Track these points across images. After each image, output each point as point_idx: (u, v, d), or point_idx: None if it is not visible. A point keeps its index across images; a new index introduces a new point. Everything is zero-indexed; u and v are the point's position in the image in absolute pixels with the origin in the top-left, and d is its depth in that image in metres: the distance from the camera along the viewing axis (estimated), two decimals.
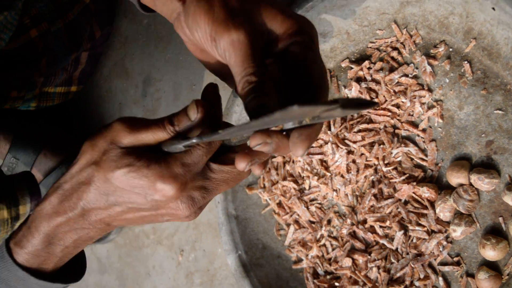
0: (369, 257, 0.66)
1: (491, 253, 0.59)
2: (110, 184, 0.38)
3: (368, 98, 0.69)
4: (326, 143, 0.70)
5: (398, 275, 0.65)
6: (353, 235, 0.69)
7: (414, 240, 0.65)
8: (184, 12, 0.39)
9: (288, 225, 0.73)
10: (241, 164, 0.35)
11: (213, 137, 0.35)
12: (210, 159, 0.39)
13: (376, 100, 0.69)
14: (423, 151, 0.66)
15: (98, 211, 0.40)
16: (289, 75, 0.38)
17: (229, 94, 0.71)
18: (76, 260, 0.47)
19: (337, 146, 0.69)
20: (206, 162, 0.38)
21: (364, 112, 0.69)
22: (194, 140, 0.36)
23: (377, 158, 0.67)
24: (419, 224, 0.65)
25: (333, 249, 0.70)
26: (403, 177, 0.65)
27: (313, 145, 0.72)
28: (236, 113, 0.70)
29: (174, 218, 0.40)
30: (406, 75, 0.67)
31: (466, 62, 0.64)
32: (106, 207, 0.39)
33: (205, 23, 0.37)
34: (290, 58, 0.38)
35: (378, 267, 0.66)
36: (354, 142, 0.68)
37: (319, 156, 0.70)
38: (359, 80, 0.70)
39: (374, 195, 0.68)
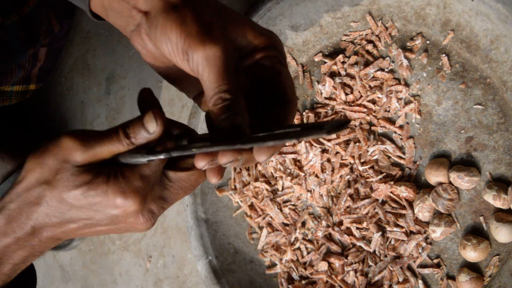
0: (345, 260, 0.65)
1: (472, 254, 0.57)
2: (65, 203, 0.37)
3: (342, 93, 0.68)
4: (299, 142, 0.68)
5: (376, 278, 0.64)
6: (329, 237, 0.67)
7: (393, 242, 0.63)
8: (149, 24, 0.38)
9: (261, 228, 0.71)
10: (201, 163, 0.35)
11: (185, 153, 0.35)
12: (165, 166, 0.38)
13: (351, 96, 0.67)
14: (401, 148, 0.65)
15: (50, 228, 0.39)
16: (259, 89, 0.39)
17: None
18: (25, 271, 0.46)
19: (311, 145, 0.67)
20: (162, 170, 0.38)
21: (339, 108, 0.68)
22: (162, 157, 0.35)
23: (353, 157, 0.66)
24: (397, 225, 0.63)
25: (308, 253, 0.68)
26: (380, 176, 0.64)
27: (286, 143, 0.69)
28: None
29: (132, 230, 0.40)
30: (382, 69, 0.66)
31: (444, 55, 0.63)
32: (59, 225, 0.39)
33: (177, 37, 0.36)
34: (261, 72, 0.39)
35: (356, 271, 0.65)
36: (329, 140, 0.67)
37: (292, 156, 0.69)
38: (333, 75, 0.68)
39: (350, 196, 0.66)
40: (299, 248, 0.69)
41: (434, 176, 0.61)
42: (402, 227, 0.63)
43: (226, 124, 0.34)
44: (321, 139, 0.67)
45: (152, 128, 0.35)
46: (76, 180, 0.36)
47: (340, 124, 0.32)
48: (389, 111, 0.65)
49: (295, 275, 0.69)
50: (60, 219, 0.38)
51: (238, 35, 0.39)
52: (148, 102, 0.39)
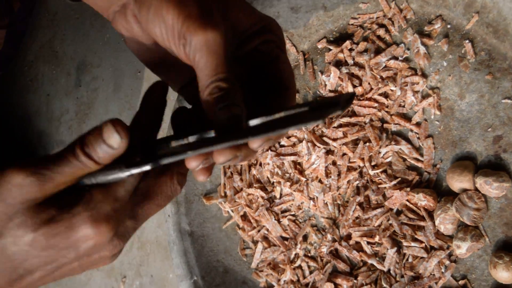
0: (355, 281, 0.64)
1: (504, 275, 0.56)
2: (21, 254, 0.35)
3: (349, 85, 0.68)
4: (300, 141, 0.68)
5: None
6: (335, 254, 0.67)
7: (410, 260, 0.63)
8: (138, 4, 0.38)
9: (256, 242, 0.71)
10: (193, 163, 0.35)
11: (178, 157, 0.33)
12: None
13: (359, 88, 0.67)
14: (418, 149, 0.64)
15: None
16: (257, 76, 0.40)
17: None
18: None
19: (314, 145, 0.67)
20: None
21: None
22: (148, 167, 0.33)
23: (363, 159, 0.65)
24: (415, 240, 0.62)
25: (310, 272, 0.67)
26: (394, 182, 0.64)
27: (284, 143, 0.70)
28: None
29: (96, 264, 0.39)
30: (395, 58, 0.65)
31: (467, 41, 0.62)
32: (10, 283, 0.37)
33: (175, 18, 0.36)
34: (259, 57, 0.40)
35: None
36: (334, 140, 0.67)
37: (292, 158, 0.68)
38: (338, 64, 0.68)
39: (360, 204, 0.66)
40: (300, 267, 0.68)
41: (458, 182, 0.60)
42: (421, 242, 0.62)
43: (223, 115, 0.34)
44: (325, 138, 0.67)
45: (115, 143, 0.33)
46: (34, 221, 0.34)
47: (350, 97, 0.32)
48: (404, 106, 0.65)
49: None
50: (10, 276, 0.36)
51: (237, 19, 0.40)
52: (153, 101, 0.38)
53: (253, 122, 0.34)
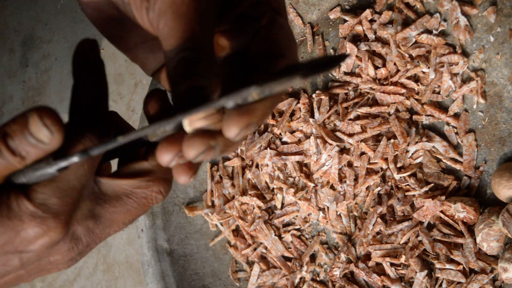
0: None
1: None
2: None
3: (370, 66, 0.68)
4: (307, 137, 0.68)
5: None
6: (351, 278, 0.67)
7: (444, 285, 0.63)
8: None
9: (251, 263, 0.71)
10: (165, 156, 0.35)
11: (108, 146, 0.34)
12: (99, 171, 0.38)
13: (383, 70, 0.66)
14: (456, 148, 0.64)
15: None
16: (250, 47, 0.40)
17: None
18: None
19: (324, 142, 0.67)
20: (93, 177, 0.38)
21: (365, 87, 0.67)
22: (75, 159, 0.34)
23: (386, 160, 0.65)
24: (451, 261, 0.62)
25: None
26: (425, 189, 0.63)
27: (287, 140, 0.70)
28: None
29: (48, 270, 0.40)
30: (428, 32, 0.65)
31: None
32: None
33: None
34: (250, 23, 0.40)
35: None
36: (350, 136, 0.66)
37: (297, 158, 0.68)
38: (356, 39, 0.68)
39: (382, 217, 0.65)
40: None
41: (506, 189, 0.59)
42: (458, 264, 0.62)
43: (182, 88, 0.35)
44: (338, 133, 0.67)
45: (45, 138, 0.33)
46: None
47: (329, 60, 0.31)
48: (439, 93, 0.65)
49: None
50: None
51: None
52: (89, 66, 0.38)
53: (228, 105, 0.34)
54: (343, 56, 0.31)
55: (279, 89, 0.32)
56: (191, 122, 0.34)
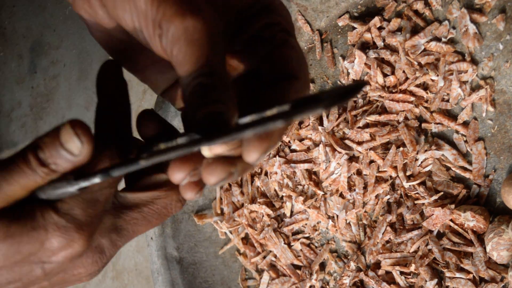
0: None
1: None
2: None
3: (379, 74, 0.68)
4: (316, 145, 0.69)
5: None
6: (360, 286, 0.67)
7: None
8: None
9: (260, 272, 0.71)
10: (178, 174, 0.36)
11: (130, 168, 0.35)
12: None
13: (391, 78, 0.67)
14: (465, 156, 0.64)
15: None
16: (262, 68, 0.40)
17: None
18: None
19: (333, 150, 0.67)
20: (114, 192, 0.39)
21: (374, 95, 0.68)
22: (96, 179, 0.35)
23: (395, 168, 0.65)
24: (461, 269, 0.62)
25: None
26: (435, 197, 0.63)
27: (296, 148, 0.71)
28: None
29: (72, 282, 0.41)
30: (437, 39, 0.65)
31: None
32: None
33: (148, 2, 0.37)
34: (262, 45, 0.40)
35: None
36: (359, 144, 0.67)
37: (306, 166, 0.69)
38: (365, 46, 0.68)
39: (391, 225, 0.66)
40: None
41: None
42: (468, 273, 0.62)
43: (200, 114, 0.35)
44: (347, 141, 0.67)
45: (75, 149, 0.35)
46: None
47: (349, 90, 0.31)
48: (448, 101, 0.65)
49: None
50: None
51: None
52: (112, 86, 0.39)
53: (243, 121, 0.35)
54: (362, 84, 0.32)
55: (300, 118, 0.32)
56: (211, 148, 0.35)
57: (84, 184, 0.36)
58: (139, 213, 0.40)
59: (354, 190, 0.67)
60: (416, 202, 0.64)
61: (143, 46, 0.40)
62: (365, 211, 0.67)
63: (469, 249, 0.62)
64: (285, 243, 0.69)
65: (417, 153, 0.64)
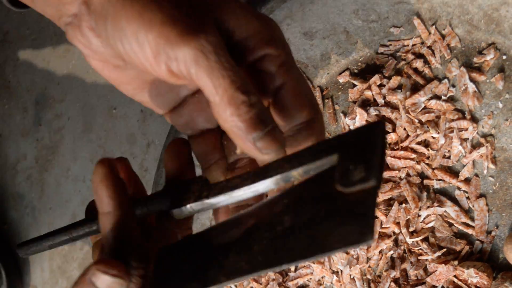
0: None
1: None
2: None
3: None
4: None
5: None
6: None
7: None
8: (94, 15, 0.38)
9: None
10: None
11: None
12: None
13: (393, 135, 0.67)
14: (468, 212, 0.64)
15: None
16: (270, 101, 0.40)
17: None
18: None
19: None
20: None
21: None
22: None
23: (398, 224, 0.66)
24: None
25: None
26: (438, 253, 0.63)
27: None
28: None
29: None
30: (437, 97, 0.66)
31: None
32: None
33: (142, 31, 0.35)
34: (268, 83, 0.39)
35: None
36: None
37: None
38: (365, 103, 0.69)
39: (396, 281, 0.66)
40: None
41: None
42: None
43: (267, 148, 0.35)
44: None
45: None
46: None
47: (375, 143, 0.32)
48: (449, 158, 0.65)
49: None
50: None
51: (229, 19, 0.38)
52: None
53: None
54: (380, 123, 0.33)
55: None
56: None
57: None
58: None
59: None
60: (419, 257, 0.64)
61: (139, 71, 0.40)
62: (369, 266, 0.67)
63: None
64: None
65: (419, 210, 0.65)
